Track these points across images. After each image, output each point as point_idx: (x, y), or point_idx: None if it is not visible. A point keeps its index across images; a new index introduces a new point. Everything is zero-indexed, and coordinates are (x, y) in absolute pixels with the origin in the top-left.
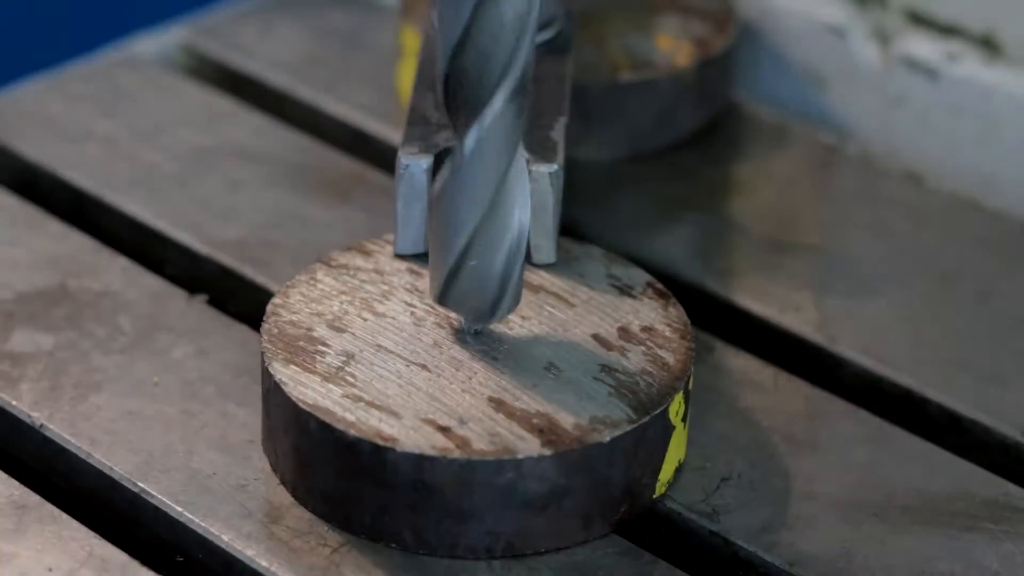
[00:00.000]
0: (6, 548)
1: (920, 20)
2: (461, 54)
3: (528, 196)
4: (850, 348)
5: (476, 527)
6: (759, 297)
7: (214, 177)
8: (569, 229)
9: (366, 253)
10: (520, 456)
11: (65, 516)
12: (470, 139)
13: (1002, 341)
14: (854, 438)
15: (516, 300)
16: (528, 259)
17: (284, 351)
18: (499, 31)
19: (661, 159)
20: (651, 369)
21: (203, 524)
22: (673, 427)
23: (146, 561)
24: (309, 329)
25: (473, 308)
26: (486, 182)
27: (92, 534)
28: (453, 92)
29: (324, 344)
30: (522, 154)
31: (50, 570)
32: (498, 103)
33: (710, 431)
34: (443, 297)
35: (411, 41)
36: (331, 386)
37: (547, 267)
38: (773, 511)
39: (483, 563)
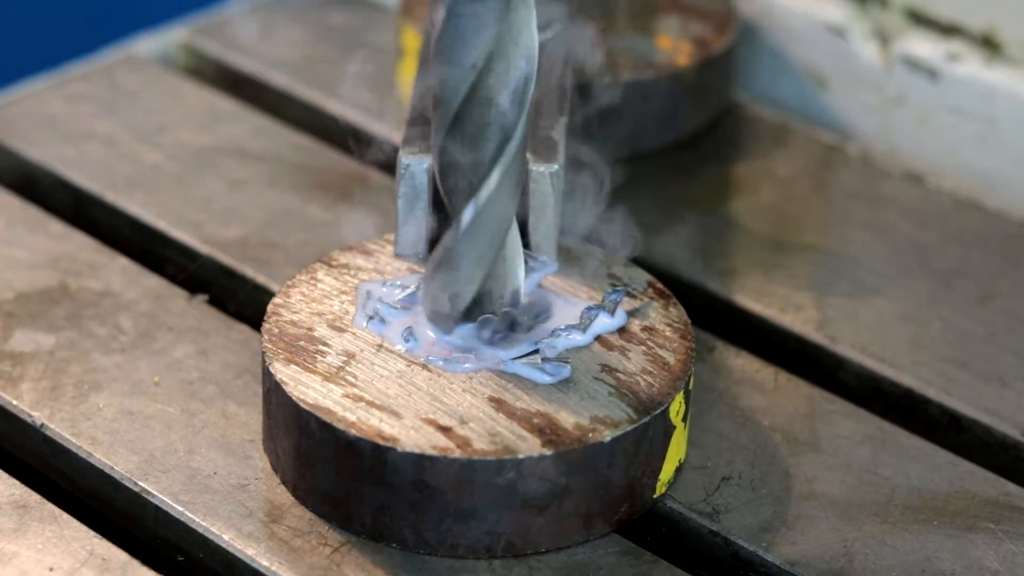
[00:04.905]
0: (7, 547)
1: (920, 20)
2: (457, 131)
3: (522, 263)
4: (850, 348)
5: (477, 527)
6: (759, 297)
7: (214, 177)
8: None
9: (366, 253)
10: (520, 456)
11: (66, 515)
12: (466, 215)
13: (1002, 341)
14: (854, 438)
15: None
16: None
17: (285, 351)
18: (495, 109)
19: (661, 159)
20: (651, 369)
21: (204, 524)
22: (673, 427)
23: (147, 560)
24: (310, 329)
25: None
26: (483, 255)
27: (93, 533)
28: (448, 167)
29: (325, 344)
30: (516, 224)
31: (51, 569)
32: (495, 176)
33: (710, 431)
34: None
35: (411, 41)
36: (332, 386)
37: None
38: (773, 511)
39: (484, 563)
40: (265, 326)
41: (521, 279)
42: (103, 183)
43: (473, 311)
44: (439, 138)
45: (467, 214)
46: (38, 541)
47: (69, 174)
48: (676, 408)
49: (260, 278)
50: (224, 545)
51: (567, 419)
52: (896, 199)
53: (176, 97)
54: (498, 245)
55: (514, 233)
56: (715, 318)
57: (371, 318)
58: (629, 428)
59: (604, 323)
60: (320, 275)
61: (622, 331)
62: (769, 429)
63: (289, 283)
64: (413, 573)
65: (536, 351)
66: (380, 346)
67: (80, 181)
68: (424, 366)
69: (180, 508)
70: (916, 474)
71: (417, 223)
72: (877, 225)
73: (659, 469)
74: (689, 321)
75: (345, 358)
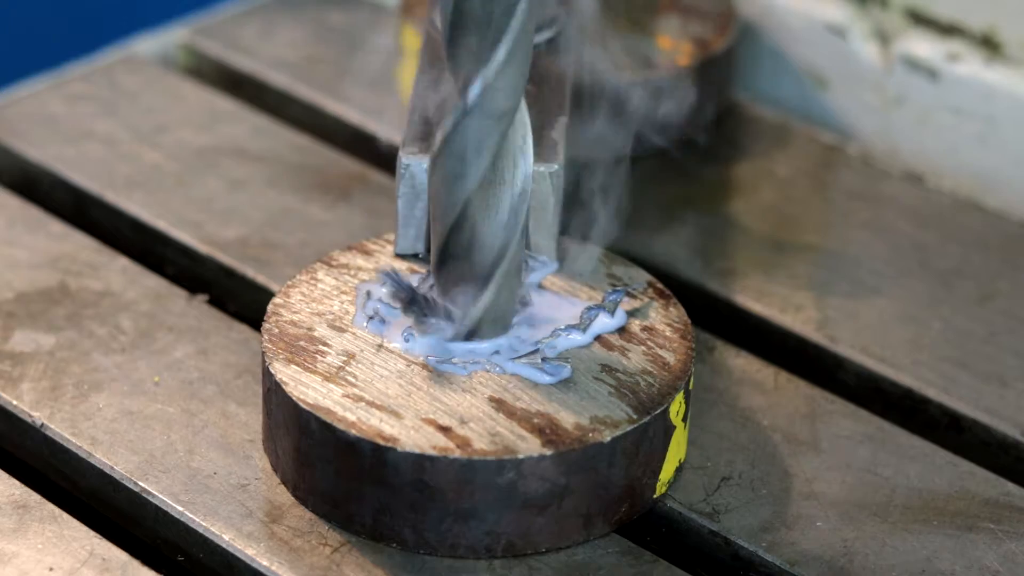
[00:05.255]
0: (7, 547)
1: (920, 20)
2: (463, 6)
3: (531, 152)
4: (850, 348)
5: (477, 527)
6: (759, 297)
7: (214, 177)
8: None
9: (367, 253)
10: (520, 456)
11: (66, 515)
12: (474, 89)
13: (1002, 341)
14: (854, 438)
15: (517, 268)
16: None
17: (285, 351)
18: None
19: (661, 159)
20: (652, 369)
21: (204, 524)
22: (673, 427)
23: (147, 561)
24: (310, 329)
25: (471, 274)
26: (488, 134)
27: (93, 533)
28: (456, 42)
29: (325, 344)
30: (525, 109)
31: (51, 569)
32: (502, 51)
33: (710, 431)
34: (441, 262)
35: (411, 41)
36: (332, 386)
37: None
38: (773, 511)
39: (484, 563)
40: (265, 326)
41: (530, 167)
42: (103, 183)
43: (476, 201)
44: (447, 15)
45: (474, 89)
46: (38, 541)
47: (69, 174)
48: (676, 408)
49: (260, 278)
50: (224, 545)
51: (567, 419)
52: (896, 199)
53: (176, 97)
54: (505, 125)
55: (522, 119)
56: (715, 318)
57: (371, 318)
58: (629, 428)
59: (604, 323)
60: (320, 275)
61: (622, 331)
62: (769, 429)
63: (289, 283)
64: (413, 573)
65: (536, 351)
66: (380, 346)
67: (80, 181)
68: (424, 366)
69: (180, 508)
70: (916, 474)
71: (417, 223)
72: (877, 225)
73: (659, 469)
74: (689, 321)
75: (345, 358)
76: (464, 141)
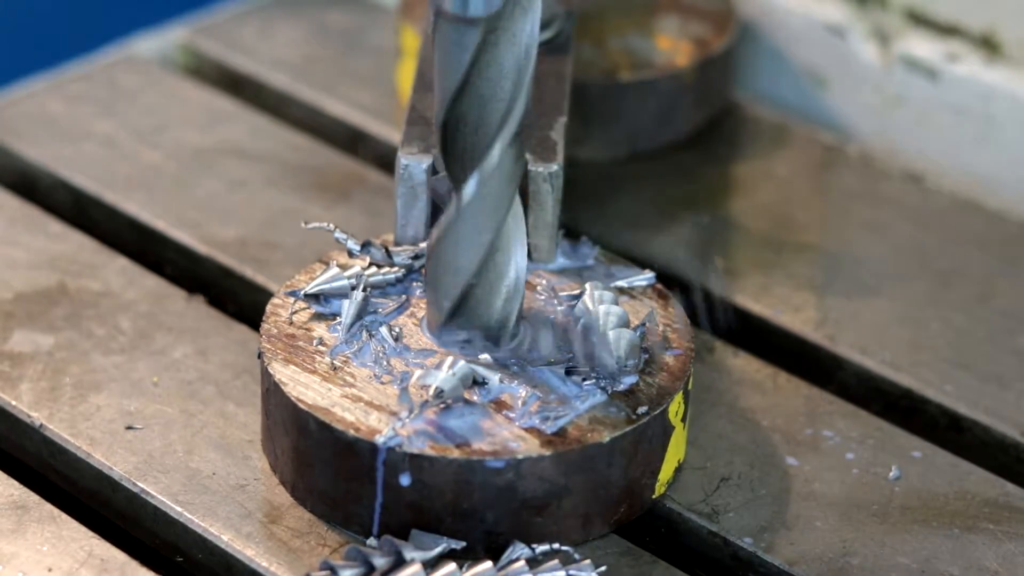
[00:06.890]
0: (6, 548)
1: (920, 20)
2: (460, 102)
3: (525, 239)
4: (850, 348)
5: (476, 527)
6: (759, 297)
7: (214, 177)
8: (569, 229)
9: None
10: (520, 456)
11: (65, 516)
12: (469, 187)
13: (1002, 341)
14: (854, 438)
15: (515, 325)
16: (528, 259)
17: (283, 351)
18: (498, 79)
19: (661, 159)
20: (651, 369)
21: (202, 524)
22: (673, 427)
23: (145, 561)
24: (308, 329)
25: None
26: (484, 229)
27: (91, 534)
28: (451, 139)
29: (323, 344)
30: (519, 202)
31: (49, 570)
32: (497, 151)
33: (710, 431)
34: (441, 340)
35: (411, 41)
36: (330, 386)
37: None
38: (773, 511)
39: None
40: (264, 326)
41: (524, 259)
42: (102, 183)
43: (473, 290)
44: (440, 114)
45: (470, 185)
46: (37, 542)
47: (68, 174)
48: (675, 408)
49: (259, 278)
50: (223, 546)
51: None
52: (896, 199)
53: (176, 97)
54: (500, 219)
55: (516, 212)
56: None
57: (369, 318)
58: (628, 428)
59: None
60: (319, 275)
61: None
62: (768, 429)
63: (288, 283)
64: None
65: (535, 352)
66: (379, 347)
67: (79, 181)
68: (423, 366)
69: (179, 509)
70: (916, 474)
71: (415, 223)
72: (877, 225)
73: (658, 469)
74: (688, 321)
75: (344, 358)
76: (460, 235)
